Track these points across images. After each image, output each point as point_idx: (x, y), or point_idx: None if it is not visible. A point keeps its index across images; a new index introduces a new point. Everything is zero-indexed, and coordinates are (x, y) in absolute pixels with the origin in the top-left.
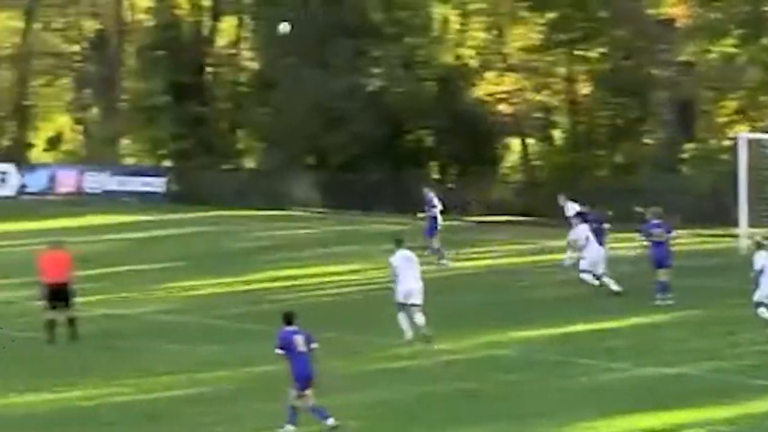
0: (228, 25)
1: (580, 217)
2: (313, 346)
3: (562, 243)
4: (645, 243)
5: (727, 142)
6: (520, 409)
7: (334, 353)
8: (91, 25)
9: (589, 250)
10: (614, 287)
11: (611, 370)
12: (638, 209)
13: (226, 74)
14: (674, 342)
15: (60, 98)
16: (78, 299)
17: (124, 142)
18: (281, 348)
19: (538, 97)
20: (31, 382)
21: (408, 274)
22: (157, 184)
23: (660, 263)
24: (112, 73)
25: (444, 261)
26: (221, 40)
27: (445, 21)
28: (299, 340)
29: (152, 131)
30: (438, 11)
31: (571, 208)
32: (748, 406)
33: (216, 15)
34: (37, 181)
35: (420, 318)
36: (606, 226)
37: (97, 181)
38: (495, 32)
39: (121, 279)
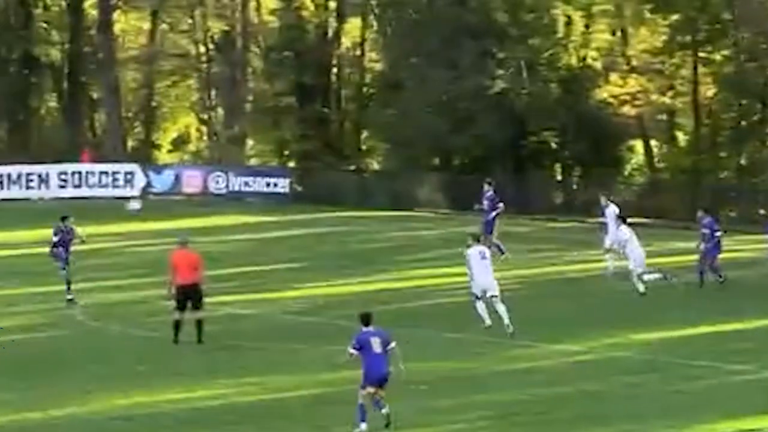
0: (353, 26)
1: (621, 220)
2: (391, 347)
3: (687, 245)
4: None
5: None
6: (643, 411)
7: (459, 354)
8: (216, 26)
9: (631, 251)
10: (641, 288)
11: (733, 373)
12: (762, 212)
13: (350, 75)
14: None
15: (186, 99)
16: (205, 299)
17: (249, 142)
18: (357, 348)
19: (662, 99)
20: (157, 382)
21: (480, 269)
22: (281, 185)
23: None
24: (238, 74)
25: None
26: (346, 41)
27: (570, 22)
28: (376, 342)
29: (277, 132)
30: (562, 13)
31: (613, 210)
32: None
33: (341, 16)
34: (162, 181)
35: (501, 307)
36: (718, 233)
37: (222, 181)
38: (619, 34)
39: (246, 279)
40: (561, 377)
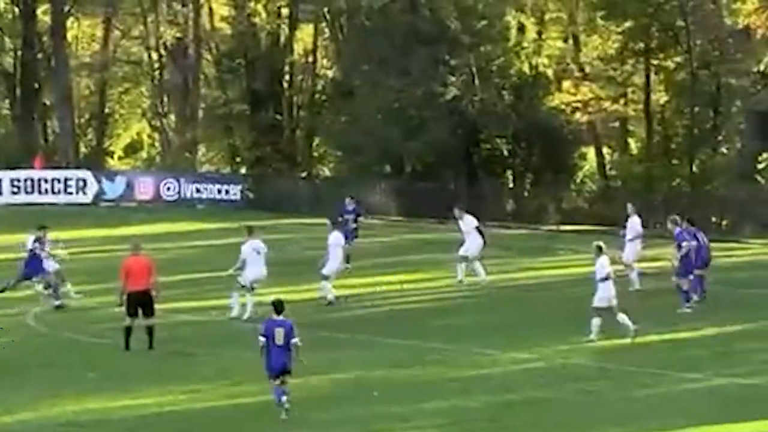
0: (305, 33)
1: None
2: (293, 341)
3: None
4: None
5: None
6: (595, 418)
7: (412, 361)
8: (169, 33)
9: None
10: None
11: (685, 381)
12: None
13: (303, 82)
14: (750, 353)
15: (138, 106)
16: (157, 306)
17: (201, 149)
18: (264, 337)
19: (614, 107)
20: (107, 388)
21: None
22: (233, 192)
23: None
24: (190, 80)
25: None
26: (298, 48)
27: (522, 30)
28: (279, 333)
29: (229, 139)
30: (514, 20)
31: (636, 222)
32: None
33: (293, 23)
34: (114, 188)
35: None
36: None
37: (174, 188)
38: (571, 41)
39: (198, 286)
40: (512, 384)
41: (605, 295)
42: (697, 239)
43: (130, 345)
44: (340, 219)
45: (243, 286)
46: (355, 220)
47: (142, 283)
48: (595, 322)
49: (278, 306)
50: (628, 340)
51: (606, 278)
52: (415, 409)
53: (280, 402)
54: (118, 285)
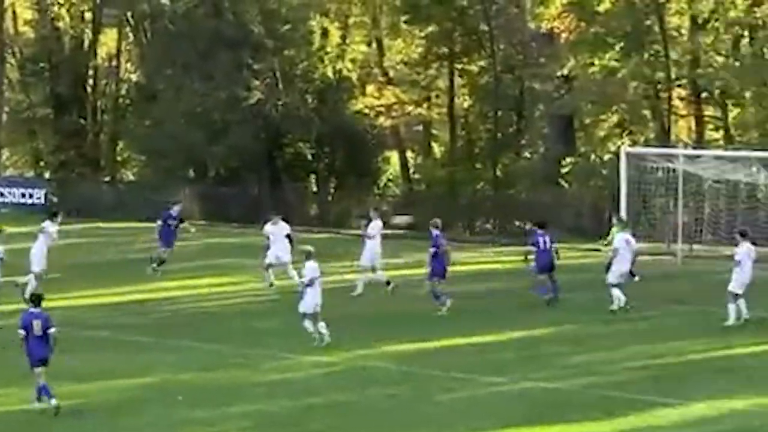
0: (109, 37)
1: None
2: (51, 331)
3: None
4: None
5: (607, 156)
6: (397, 422)
7: (216, 365)
8: None
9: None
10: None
11: (490, 384)
12: (528, 226)
13: (107, 86)
14: (553, 357)
15: None
16: None
17: (5, 153)
18: (23, 329)
19: (418, 111)
20: None
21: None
22: (37, 196)
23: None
24: None
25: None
26: (102, 52)
27: (326, 34)
28: (37, 324)
29: (33, 143)
30: (318, 24)
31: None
32: (627, 421)
33: (97, 27)
34: None
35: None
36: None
37: None
38: (375, 45)
39: None
40: (315, 388)
41: (312, 301)
42: (537, 244)
43: None
44: (162, 224)
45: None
46: (177, 226)
47: None
48: (306, 325)
49: (35, 300)
50: (436, 344)
51: (310, 284)
52: (219, 413)
53: (40, 397)
54: None
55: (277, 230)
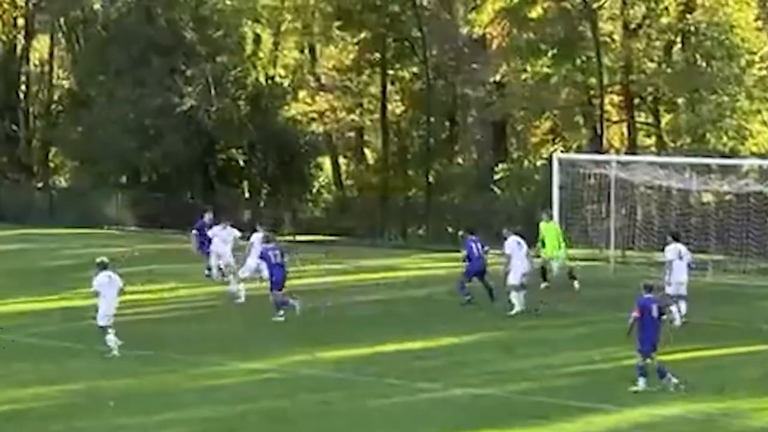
0: (42, 43)
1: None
2: None
3: (372, 262)
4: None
5: (540, 162)
6: (329, 428)
7: (148, 371)
8: None
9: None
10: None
11: (421, 390)
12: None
13: (39, 92)
14: (485, 363)
15: None
16: None
17: None
18: None
19: (351, 117)
20: None
21: None
22: None
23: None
24: None
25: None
26: (34, 58)
27: (258, 40)
28: None
29: None
30: (251, 30)
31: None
32: (561, 428)
33: (29, 33)
34: None
35: None
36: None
37: None
38: (308, 51)
39: None
40: (248, 394)
41: (108, 312)
42: (470, 248)
43: None
44: (197, 233)
45: None
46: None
47: None
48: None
49: None
50: (368, 350)
51: (97, 294)
52: (152, 420)
53: None
54: None
55: (226, 235)
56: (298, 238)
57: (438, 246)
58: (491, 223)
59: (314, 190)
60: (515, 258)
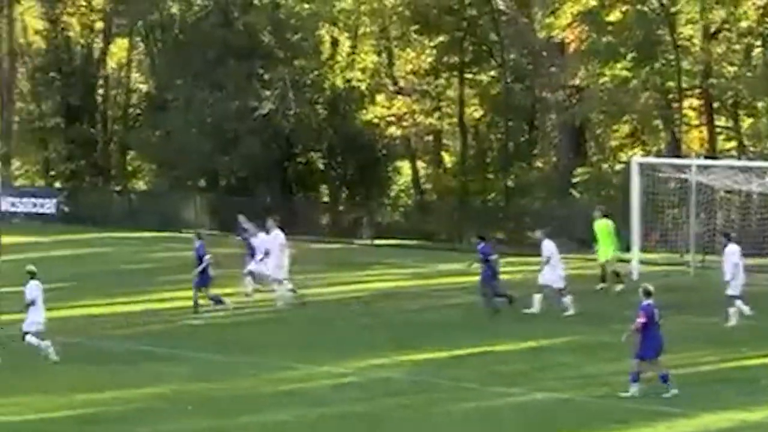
0: (119, 47)
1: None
2: None
3: (451, 266)
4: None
5: (619, 166)
6: None
7: (223, 375)
8: None
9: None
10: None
11: (503, 395)
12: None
13: (117, 96)
14: (566, 367)
15: None
16: None
17: (16, 163)
18: None
19: (429, 120)
20: None
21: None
22: (48, 206)
23: None
24: (5, 94)
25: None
26: (112, 62)
27: (336, 44)
28: None
29: (43, 152)
30: (328, 34)
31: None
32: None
33: (107, 37)
34: None
35: None
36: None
37: None
38: (385, 55)
39: (12, 300)
40: (327, 398)
41: (37, 319)
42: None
43: None
44: (242, 238)
45: None
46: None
47: None
48: (31, 340)
49: None
50: (448, 354)
51: (32, 303)
52: (229, 423)
53: None
54: None
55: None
56: (377, 242)
57: (517, 250)
58: (570, 228)
59: (393, 194)
60: (554, 259)
